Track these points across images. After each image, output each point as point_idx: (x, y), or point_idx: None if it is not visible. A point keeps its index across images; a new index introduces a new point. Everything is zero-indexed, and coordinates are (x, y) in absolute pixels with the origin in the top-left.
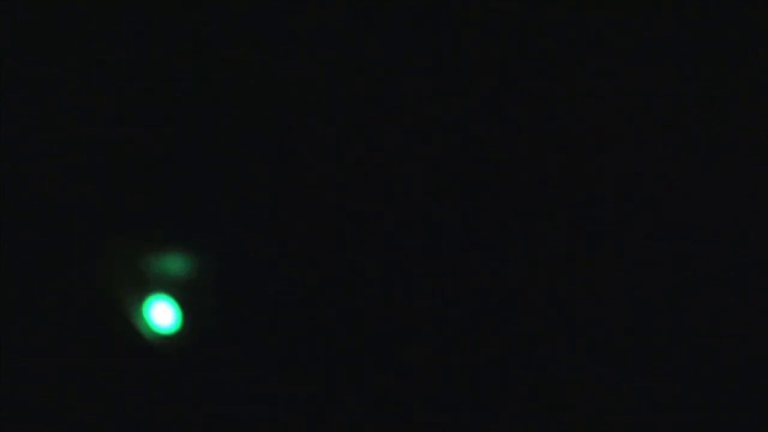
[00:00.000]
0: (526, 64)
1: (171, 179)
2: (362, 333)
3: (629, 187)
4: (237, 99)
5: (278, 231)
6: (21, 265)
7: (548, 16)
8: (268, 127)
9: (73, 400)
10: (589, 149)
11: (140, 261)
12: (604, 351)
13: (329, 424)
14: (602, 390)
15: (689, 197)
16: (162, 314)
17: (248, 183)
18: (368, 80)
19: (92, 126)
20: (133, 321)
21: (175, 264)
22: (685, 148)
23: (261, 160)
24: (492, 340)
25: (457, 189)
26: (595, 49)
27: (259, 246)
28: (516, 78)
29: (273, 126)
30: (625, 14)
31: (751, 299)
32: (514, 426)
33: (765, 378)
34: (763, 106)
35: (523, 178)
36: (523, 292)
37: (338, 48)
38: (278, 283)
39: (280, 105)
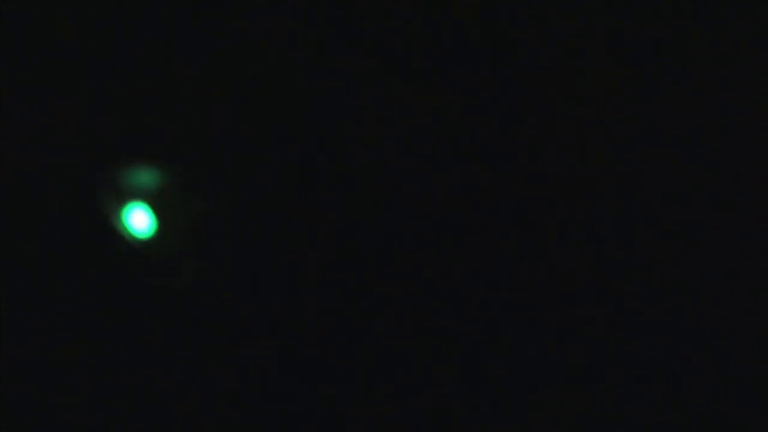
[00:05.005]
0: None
1: (146, 91)
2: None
3: (629, 188)
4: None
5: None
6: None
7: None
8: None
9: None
10: (589, 150)
11: (117, 172)
12: (603, 351)
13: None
14: (601, 390)
15: (689, 197)
16: (139, 221)
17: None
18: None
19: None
20: (113, 227)
21: (149, 174)
22: (684, 148)
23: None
24: (491, 340)
25: (456, 188)
26: (595, 50)
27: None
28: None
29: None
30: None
31: (751, 299)
32: (513, 426)
33: (765, 378)
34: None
35: (523, 179)
36: (522, 292)
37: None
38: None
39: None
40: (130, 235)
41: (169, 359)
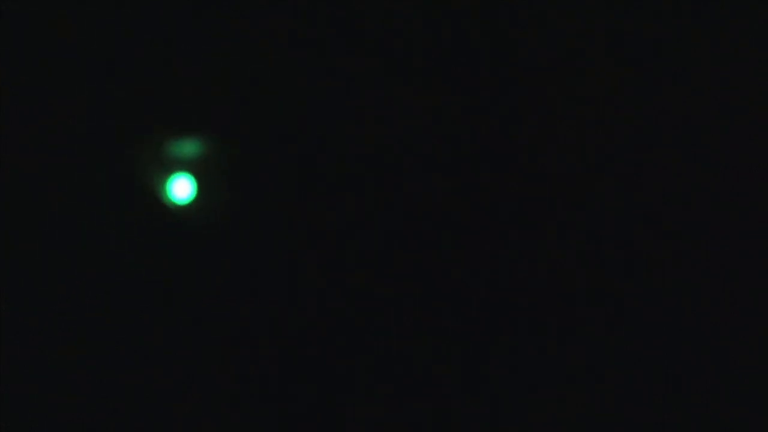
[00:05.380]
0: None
1: (187, 67)
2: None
3: (629, 188)
4: None
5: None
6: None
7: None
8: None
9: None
10: (589, 150)
11: (161, 143)
12: (603, 351)
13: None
14: (601, 390)
15: (689, 197)
16: (181, 189)
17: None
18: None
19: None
20: (157, 195)
21: (191, 145)
22: (684, 148)
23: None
24: (491, 341)
25: (457, 189)
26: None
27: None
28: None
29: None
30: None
31: (751, 299)
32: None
33: (765, 378)
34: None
35: (524, 179)
36: (522, 293)
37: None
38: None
39: None
40: (171, 203)
41: (169, 359)
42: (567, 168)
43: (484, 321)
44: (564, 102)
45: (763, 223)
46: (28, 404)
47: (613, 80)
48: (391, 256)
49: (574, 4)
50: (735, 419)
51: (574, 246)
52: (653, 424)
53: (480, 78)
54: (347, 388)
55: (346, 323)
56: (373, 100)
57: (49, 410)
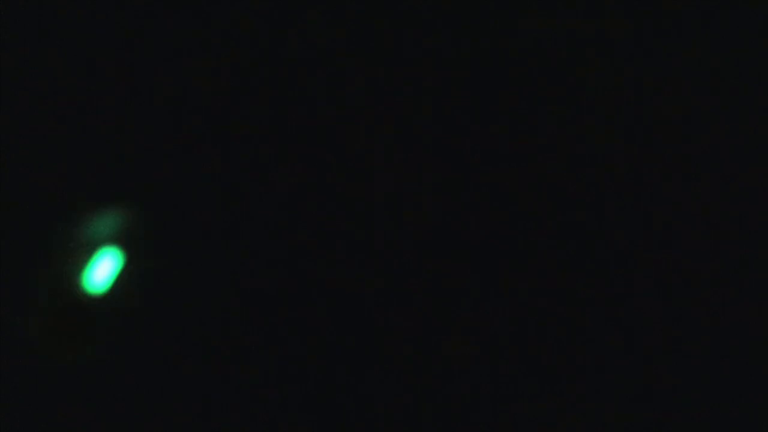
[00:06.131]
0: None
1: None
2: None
3: (628, 188)
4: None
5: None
6: None
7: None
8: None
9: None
10: (589, 150)
11: (84, 221)
12: (603, 351)
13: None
14: (600, 390)
15: (689, 197)
16: (103, 270)
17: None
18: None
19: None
20: (78, 277)
21: (113, 222)
22: (685, 148)
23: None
24: (491, 341)
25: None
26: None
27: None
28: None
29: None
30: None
31: (751, 299)
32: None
33: (765, 378)
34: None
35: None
36: (522, 293)
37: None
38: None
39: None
40: (93, 285)
41: (169, 359)
42: (567, 168)
43: (484, 321)
44: (564, 102)
45: (764, 224)
46: (28, 404)
47: (613, 80)
48: (390, 256)
49: (574, 4)
50: (735, 419)
51: (574, 246)
52: (653, 424)
53: (480, 78)
54: (347, 389)
55: (344, 324)
56: (373, 100)
57: (49, 410)
